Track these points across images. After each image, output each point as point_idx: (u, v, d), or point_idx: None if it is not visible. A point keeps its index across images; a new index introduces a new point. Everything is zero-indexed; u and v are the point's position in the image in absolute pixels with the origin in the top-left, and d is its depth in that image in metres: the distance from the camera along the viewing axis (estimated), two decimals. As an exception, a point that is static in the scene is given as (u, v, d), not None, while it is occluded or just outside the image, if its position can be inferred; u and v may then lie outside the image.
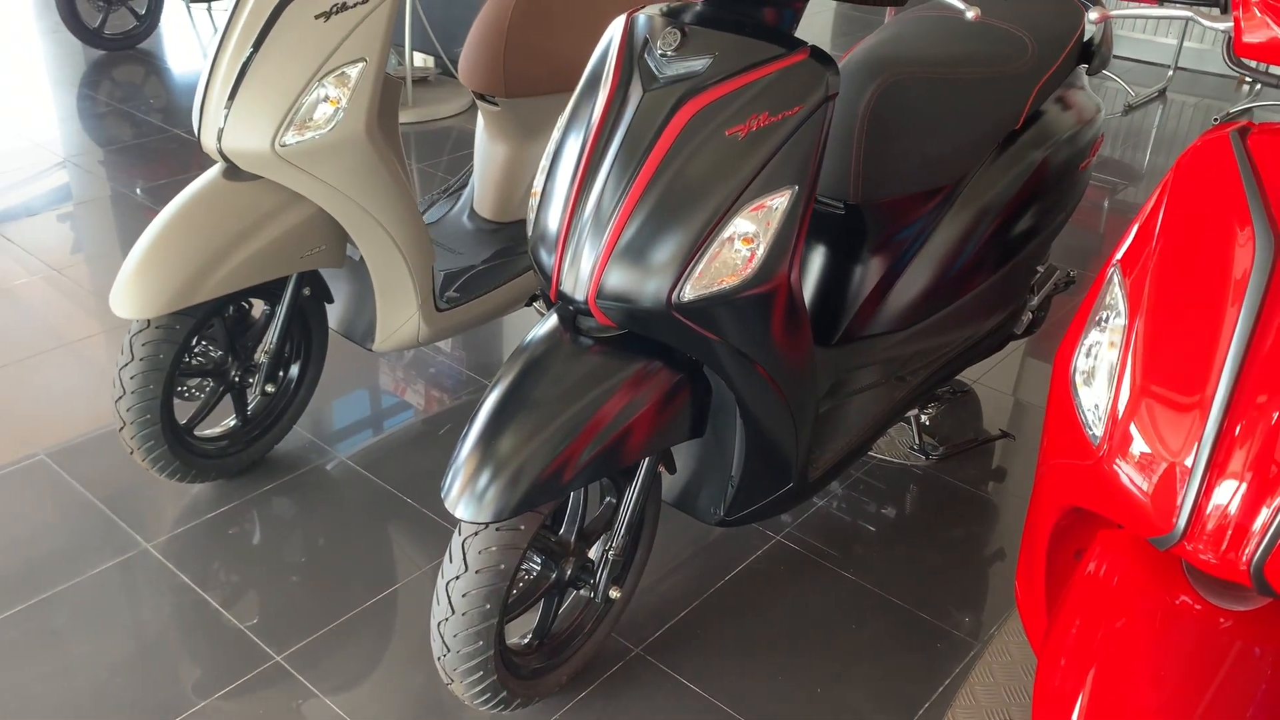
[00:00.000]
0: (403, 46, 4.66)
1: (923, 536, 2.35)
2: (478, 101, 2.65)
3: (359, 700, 1.90)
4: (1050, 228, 2.38)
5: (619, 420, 1.60)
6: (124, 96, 4.80)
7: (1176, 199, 1.37)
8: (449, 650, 1.67)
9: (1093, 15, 1.69)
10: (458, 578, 1.63)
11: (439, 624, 1.66)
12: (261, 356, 2.31)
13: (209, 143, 2.09)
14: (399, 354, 2.95)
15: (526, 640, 1.87)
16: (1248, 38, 1.43)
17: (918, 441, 2.54)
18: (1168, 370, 1.23)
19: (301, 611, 2.08)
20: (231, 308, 2.25)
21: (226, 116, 2.06)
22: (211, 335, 2.25)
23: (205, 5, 6.12)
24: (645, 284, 1.56)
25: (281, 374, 2.42)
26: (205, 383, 2.29)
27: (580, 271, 1.60)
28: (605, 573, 1.80)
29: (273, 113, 2.04)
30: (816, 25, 6.54)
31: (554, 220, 1.64)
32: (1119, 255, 1.39)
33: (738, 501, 1.87)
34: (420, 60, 4.99)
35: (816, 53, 1.60)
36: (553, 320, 1.70)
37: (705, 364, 1.70)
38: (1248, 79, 5.72)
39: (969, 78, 2.16)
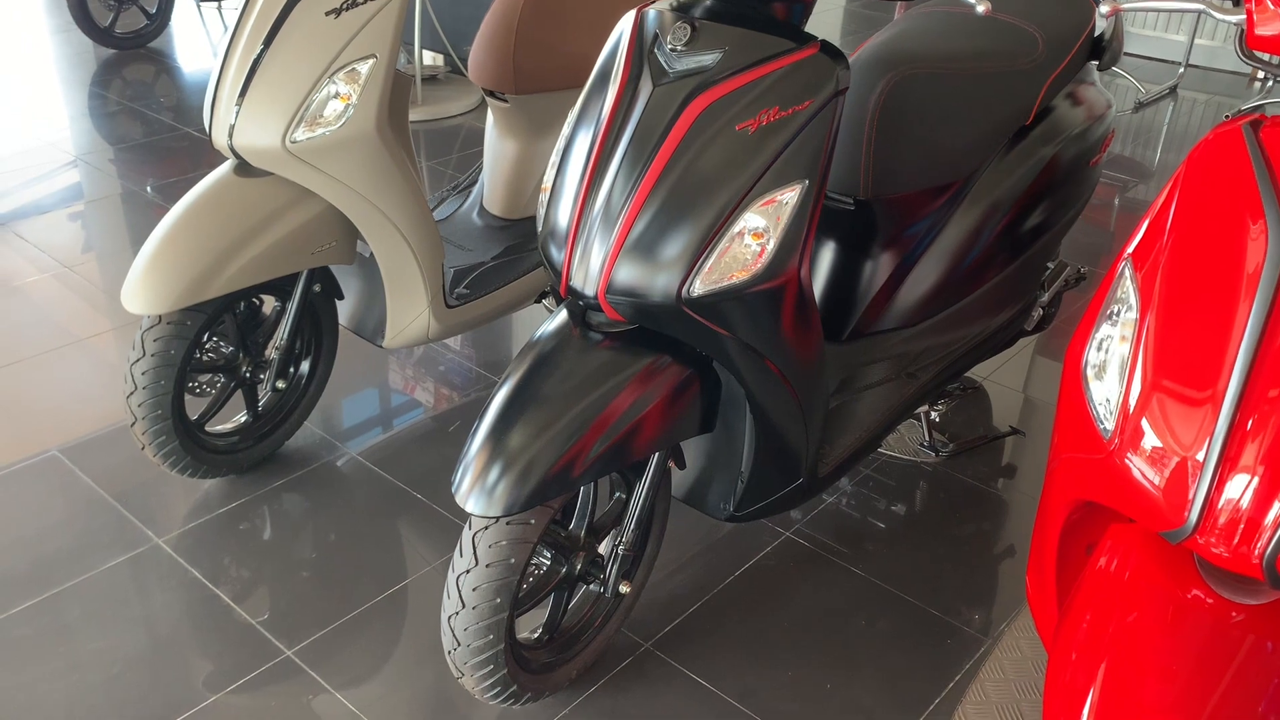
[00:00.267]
0: (412, 45, 4.67)
1: (932, 533, 2.34)
2: (487, 98, 2.65)
3: (370, 695, 1.91)
4: (1061, 223, 2.38)
5: (628, 415, 1.60)
6: (134, 95, 4.81)
7: (1189, 192, 1.36)
8: (459, 644, 1.67)
9: (1103, 9, 1.69)
10: (468, 572, 1.63)
11: (449, 618, 1.66)
12: (272, 352, 2.32)
13: (220, 139, 2.10)
14: (409, 350, 2.95)
15: (537, 635, 1.87)
16: (1260, 30, 1.42)
17: (927, 438, 2.54)
18: (1179, 364, 1.22)
19: (312, 606, 2.09)
20: (242, 304, 2.26)
21: (238, 113, 2.07)
22: (222, 331, 2.25)
23: (215, 4, 6.14)
24: (655, 279, 1.56)
25: (292, 370, 2.43)
26: (216, 378, 2.30)
27: (590, 267, 1.60)
28: (615, 567, 1.80)
29: (283, 109, 2.05)
30: (826, 23, 6.53)
31: (564, 216, 1.64)
32: (1131, 248, 1.38)
33: (747, 497, 1.87)
34: (430, 58, 5.00)
35: (827, 47, 1.60)
36: (562, 315, 1.70)
37: (715, 359, 1.70)
38: (1260, 75, 5.70)
39: (979, 73, 2.16)
